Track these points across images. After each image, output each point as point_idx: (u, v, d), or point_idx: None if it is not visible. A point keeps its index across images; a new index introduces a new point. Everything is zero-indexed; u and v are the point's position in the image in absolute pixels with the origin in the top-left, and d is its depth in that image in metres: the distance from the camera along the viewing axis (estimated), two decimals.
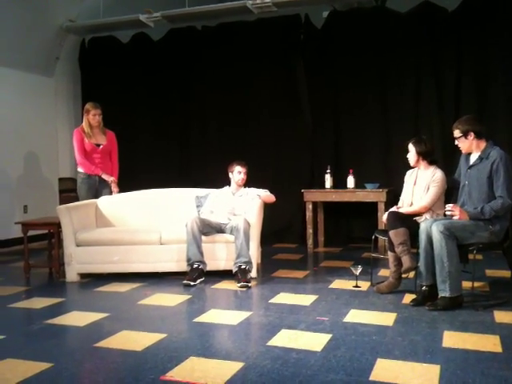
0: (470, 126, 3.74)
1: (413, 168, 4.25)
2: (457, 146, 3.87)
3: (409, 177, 4.27)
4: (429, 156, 4.12)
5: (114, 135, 5.63)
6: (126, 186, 5.70)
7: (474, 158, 3.80)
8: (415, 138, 4.20)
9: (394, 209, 4.16)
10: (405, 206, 4.17)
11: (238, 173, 4.89)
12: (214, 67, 7.06)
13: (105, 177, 5.42)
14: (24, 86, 7.00)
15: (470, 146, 3.78)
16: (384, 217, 4.15)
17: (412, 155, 4.13)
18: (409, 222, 3.94)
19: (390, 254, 4.04)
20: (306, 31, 6.68)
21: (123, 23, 6.87)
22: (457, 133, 3.80)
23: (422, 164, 4.13)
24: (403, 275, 4.05)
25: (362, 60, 6.38)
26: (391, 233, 3.91)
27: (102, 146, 5.45)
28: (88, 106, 5.46)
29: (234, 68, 6.94)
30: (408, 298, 3.88)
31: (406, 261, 3.83)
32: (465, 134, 3.75)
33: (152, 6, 6.62)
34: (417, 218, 4.00)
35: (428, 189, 4.03)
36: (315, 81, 6.62)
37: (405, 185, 4.28)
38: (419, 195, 4.08)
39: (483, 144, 3.75)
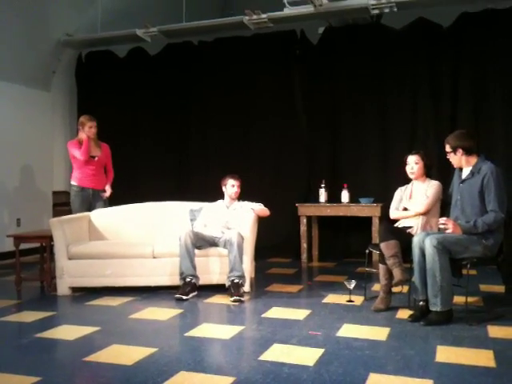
0: (459, 142, 3.76)
1: (410, 181, 4.25)
2: (449, 160, 3.90)
3: (402, 193, 4.25)
4: (431, 169, 4.22)
5: (108, 147, 5.63)
6: (124, 198, 5.69)
7: (466, 172, 3.81)
8: (420, 151, 4.21)
9: (395, 212, 4.21)
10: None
11: (231, 186, 4.89)
12: (210, 82, 7.09)
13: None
14: (21, 99, 6.99)
15: (460, 162, 3.80)
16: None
17: (418, 168, 4.13)
18: (401, 235, 3.93)
19: (380, 267, 4.02)
20: (301, 47, 6.74)
21: (120, 38, 6.92)
22: (447, 148, 3.83)
23: (422, 178, 4.17)
24: (394, 288, 4.02)
25: (358, 75, 6.42)
26: (382, 245, 3.90)
27: (96, 158, 5.45)
28: (83, 119, 5.43)
29: (230, 83, 6.97)
30: (401, 312, 3.86)
31: (397, 273, 3.80)
32: (454, 150, 3.77)
33: (149, 20, 6.66)
34: (410, 230, 4.00)
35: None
36: (311, 95, 6.65)
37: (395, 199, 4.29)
38: (416, 205, 4.10)
39: (474, 159, 3.77)
